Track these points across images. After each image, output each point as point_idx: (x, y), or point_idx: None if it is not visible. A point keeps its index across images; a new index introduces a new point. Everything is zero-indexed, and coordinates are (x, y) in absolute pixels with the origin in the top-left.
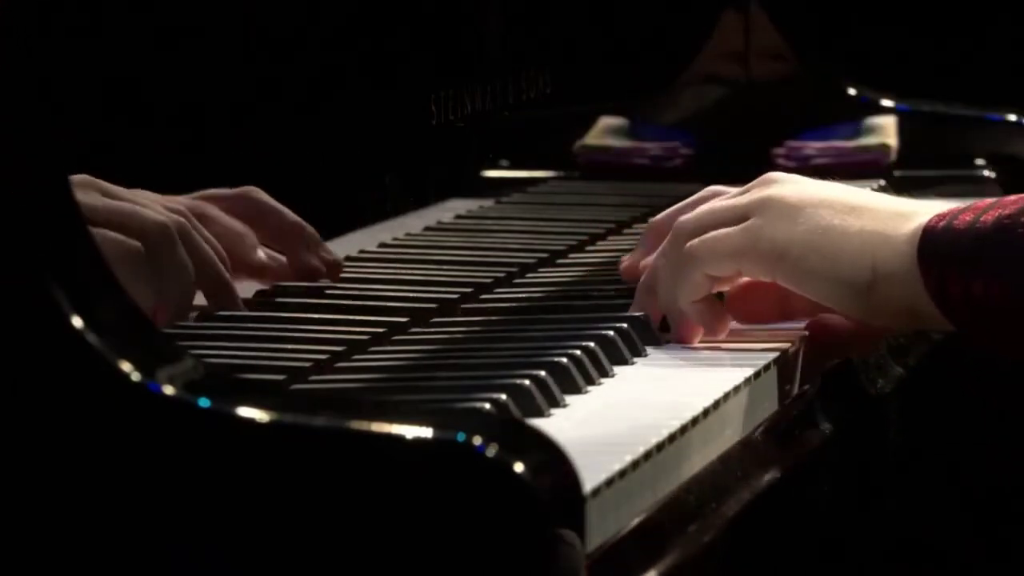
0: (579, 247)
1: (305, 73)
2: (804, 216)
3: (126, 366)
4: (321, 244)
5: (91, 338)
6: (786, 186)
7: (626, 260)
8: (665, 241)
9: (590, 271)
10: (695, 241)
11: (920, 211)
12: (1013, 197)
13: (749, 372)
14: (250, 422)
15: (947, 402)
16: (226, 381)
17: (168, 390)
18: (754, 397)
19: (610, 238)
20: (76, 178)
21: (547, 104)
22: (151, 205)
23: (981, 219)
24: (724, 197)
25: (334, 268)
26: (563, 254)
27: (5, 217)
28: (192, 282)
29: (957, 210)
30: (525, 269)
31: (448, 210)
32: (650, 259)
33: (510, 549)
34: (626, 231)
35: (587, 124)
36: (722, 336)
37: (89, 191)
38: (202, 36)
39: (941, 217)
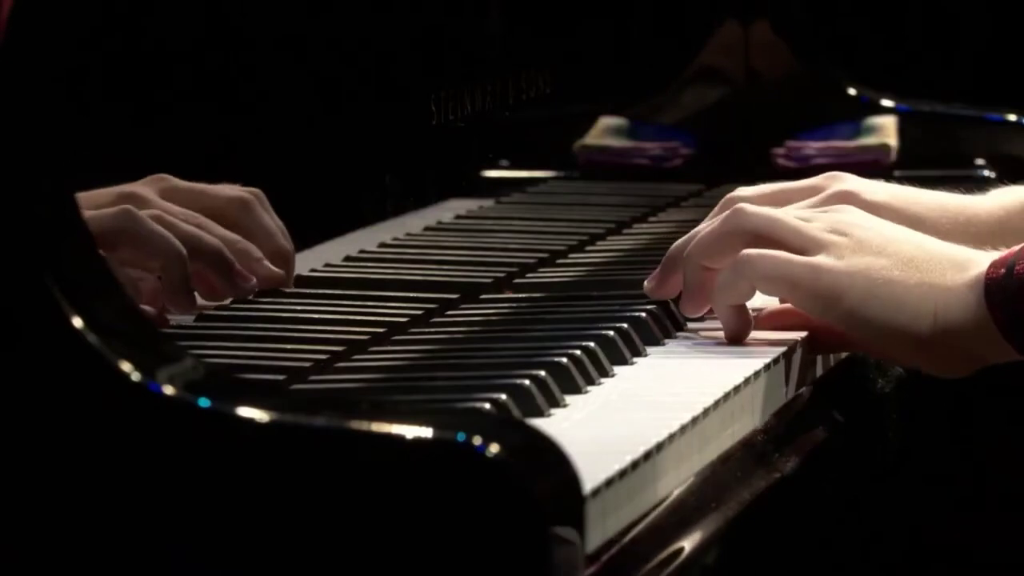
0: (579, 247)
1: (305, 73)
2: (866, 265)
3: (126, 366)
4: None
5: (91, 338)
6: (850, 224)
7: (651, 283)
8: (724, 215)
9: (590, 271)
10: (757, 254)
11: (976, 259)
12: None
13: (749, 372)
14: (250, 422)
15: (947, 402)
16: (226, 381)
17: (168, 390)
18: (755, 397)
19: (610, 238)
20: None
21: (547, 104)
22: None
23: None
24: (795, 203)
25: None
26: (563, 254)
27: (5, 217)
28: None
29: (1015, 255)
30: (525, 269)
31: (448, 210)
32: (703, 227)
33: (510, 549)
34: (626, 231)
35: (587, 124)
36: (744, 338)
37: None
38: (202, 36)
39: (999, 264)
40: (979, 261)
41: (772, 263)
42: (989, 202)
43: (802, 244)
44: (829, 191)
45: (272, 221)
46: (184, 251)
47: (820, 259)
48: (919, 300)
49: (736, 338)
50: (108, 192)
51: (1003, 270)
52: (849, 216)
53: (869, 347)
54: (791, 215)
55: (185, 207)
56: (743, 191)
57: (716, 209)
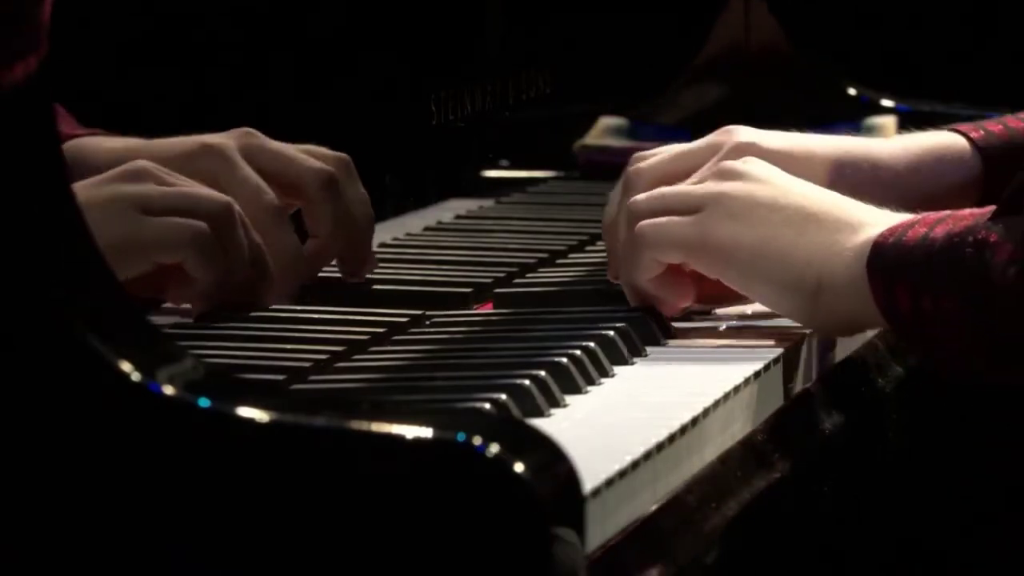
0: (579, 247)
1: (305, 73)
2: (755, 220)
3: (126, 366)
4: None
5: (91, 338)
6: (744, 176)
7: (610, 270)
8: (620, 217)
9: (590, 271)
10: (646, 224)
11: (871, 222)
12: (965, 212)
13: (749, 372)
14: (250, 422)
15: (947, 403)
16: (226, 381)
17: (168, 390)
18: (754, 397)
19: None
20: (131, 165)
21: (547, 104)
22: (205, 189)
23: (931, 234)
24: (687, 165)
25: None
26: (563, 254)
27: (5, 217)
28: (247, 262)
29: (908, 223)
30: (525, 269)
31: (448, 210)
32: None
33: (510, 549)
34: None
35: (587, 124)
36: (685, 305)
37: (146, 180)
38: (202, 36)
39: (892, 231)
40: (873, 223)
41: (663, 230)
42: (893, 146)
43: (693, 204)
44: (726, 147)
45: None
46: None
47: (707, 215)
48: (805, 262)
49: (677, 304)
50: (190, 140)
51: (891, 239)
52: (742, 165)
53: (766, 306)
54: (674, 160)
55: (266, 170)
56: (641, 160)
57: (619, 183)
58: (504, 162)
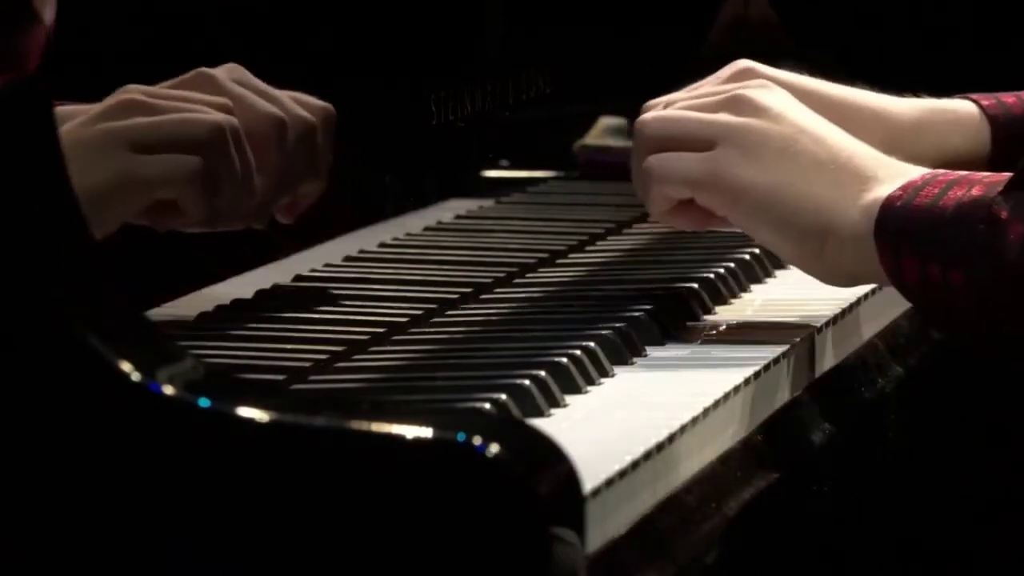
0: (579, 247)
1: (305, 73)
2: (766, 164)
3: (126, 366)
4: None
5: (91, 338)
6: (760, 110)
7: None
8: (632, 139)
9: (590, 271)
10: (655, 160)
11: (883, 177)
12: (977, 176)
13: (749, 372)
14: (250, 422)
15: (947, 403)
16: (226, 381)
17: (168, 390)
18: (754, 397)
19: (610, 238)
20: (119, 98)
21: (547, 104)
22: (198, 108)
23: (942, 201)
24: (698, 93)
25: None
26: (563, 254)
27: (5, 217)
28: (252, 177)
29: (918, 182)
30: (525, 269)
31: (448, 210)
32: None
33: (510, 549)
34: (626, 231)
35: (587, 124)
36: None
37: (132, 112)
38: (202, 36)
39: (903, 191)
40: (884, 179)
41: (672, 166)
42: (901, 102)
43: (709, 136)
44: (735, 69)
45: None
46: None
47: (718, 154)
48: (813, 212)
49: (693, 227)
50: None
51: (900, 200)
52: (761, 95)
53: (771, 250)
54: (697, 105)
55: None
56: (655, 101)
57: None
58: (504, 162)
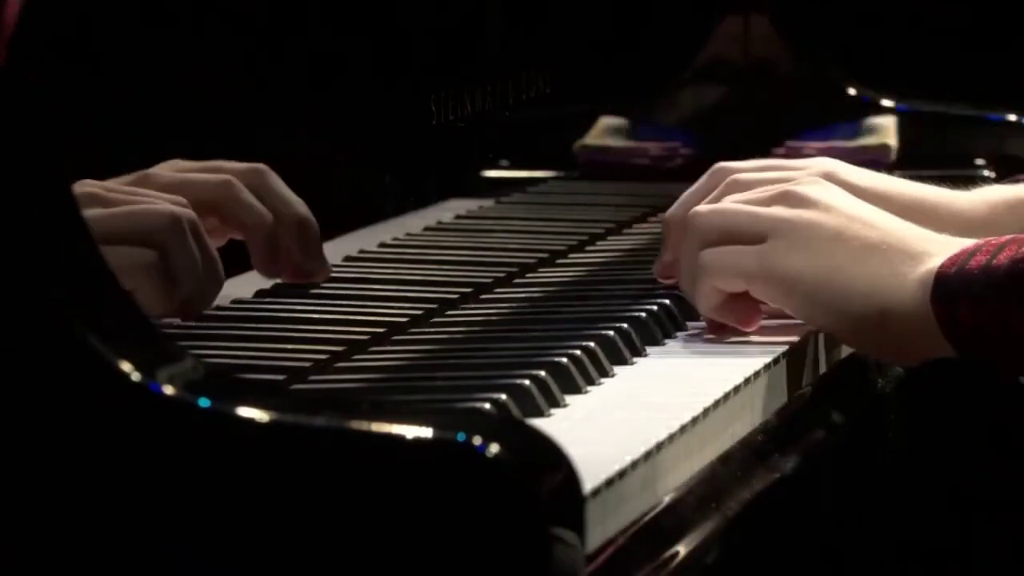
0: (579, 247)
1: (305, 73)
2: (818, 252)
3: (126, 366)
4: (319, 246)
5: (91, 338)
6: (811, 203)
7: (657, 265)
8: (685, 239)
9: (590, 271)
10: (709, 255)
11: (934, 252)
12: None
13: (749, 372)
14: (250, 422)
15: (947, 403)
16: (226, 381)
17: (168, 390)
18: (755, 397)
19: (610, 238)
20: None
21: (547, 104)
22: (153, 200)
23: (994, 261)
24: (742, 193)
25: (323, 274)
26: (563, 254)
27: (5, 217)
28: (199, 272)
29: (970, 250)
30: (525, 269)
31: (448, 210)
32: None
33: (510, 549)
34: (626, 231)
35: (587, 124)
36: (752, 329)
37: (88, 204)
38: (201, 36)
39: (954, 260)
40: (936, 253)
41: (725, 260)
42: (971, 197)
43: (760, 230)
44: (811, 169)
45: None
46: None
47: (771, 247)
48: (868, 293)
49: (743, 327)
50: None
51: (954, 268)
52: (811, 190)
53: (828, 332)
54: (750, 200)
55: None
56: (730, 165)
57: (704, 177)
58: (504, 162)
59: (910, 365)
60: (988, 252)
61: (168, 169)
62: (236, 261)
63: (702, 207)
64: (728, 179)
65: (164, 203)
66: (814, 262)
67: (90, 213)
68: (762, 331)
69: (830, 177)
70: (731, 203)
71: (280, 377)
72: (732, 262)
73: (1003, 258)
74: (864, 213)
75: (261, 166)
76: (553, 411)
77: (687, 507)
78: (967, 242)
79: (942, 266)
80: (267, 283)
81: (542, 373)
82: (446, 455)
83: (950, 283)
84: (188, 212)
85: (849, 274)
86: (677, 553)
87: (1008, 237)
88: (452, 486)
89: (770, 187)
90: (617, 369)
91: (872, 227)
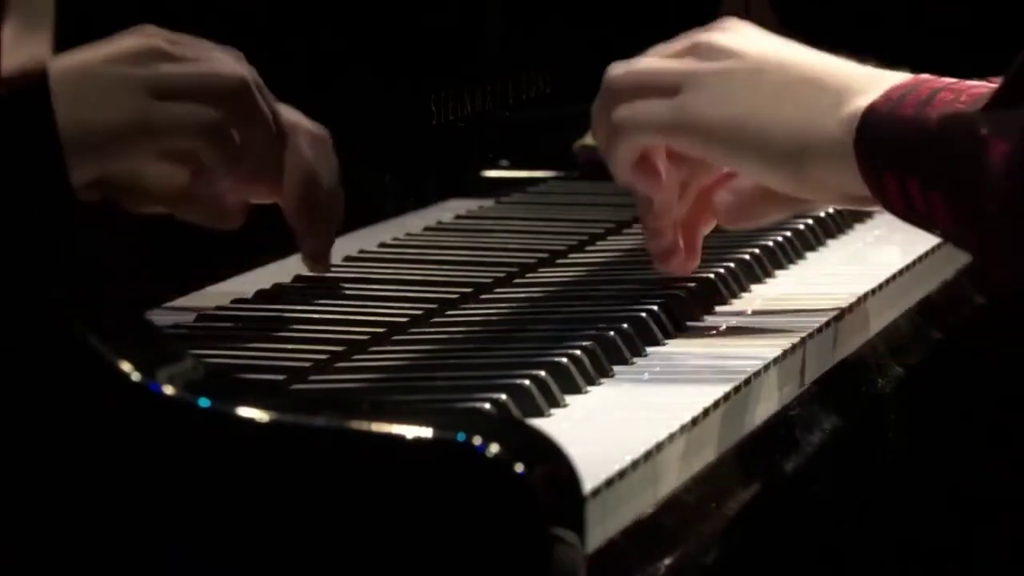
0: (579, 247)
1: (305, 73)
2: (733, 96)
3: (126, 366)
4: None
5: (91, 338)
6: (722, 51)
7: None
8: (598, 96)
9: (590, 271)
10: (623, 112)
11: (859, 89)
12: (968, 83)
13: (750, 372)
14: (250, 422)
15: (947, 403)
16: (226, 381)
17: (168, 390)
18: (754, 397)
19: (610, 238)
20: (138, 42)
21: (547, 104)
22: (220, 58)
23: (927, 109)
24: (664, 50)
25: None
26: (563, 254)
27: (5, 217)
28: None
29: (905, 87)
30: (525, 269)
31: (448, 210)
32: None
33: (510, 549)
34: (626, 231)
35: (587, 124)
36: (659, 195)
37: (153, 59)
38: (201, 36)
39: (887, 98)
40: (861, 90)
41: (641, 116)
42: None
43: (670, 83)
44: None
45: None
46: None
47: (685, 98)
48: (786, 135)
49: (652, 194)
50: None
51: (884, 109)
52: (722, 37)
53: (750, 176)
54: (661, 54)
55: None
56: (615, 74)
57: (597, 98)
58: (504, 162)
59: (838, 205)
60: (925, 91)
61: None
62: (236, 261)
63: (614, 67)
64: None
65: (232, 64)
66: (729, 107)
67: (158, 70)
68: (763, 332)
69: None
70: (643, 60)
71: (280, 377)
72: (647, 115)
73: (934, 113)
74: (779, 53)
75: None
76: (553, 411)
77: (687, 507)
78: (899, 76)
79: (871, 104)
80: (267, 283)
81: (542, 373)
82: (446, 455)
83: (878, 125)
84: (255, 75)
85: (765, 116)
86: (677, 553)
87: (942, 82)
88: (452, 486)
89: (681, 38)
90: (617, 369)
91: (787, 67)
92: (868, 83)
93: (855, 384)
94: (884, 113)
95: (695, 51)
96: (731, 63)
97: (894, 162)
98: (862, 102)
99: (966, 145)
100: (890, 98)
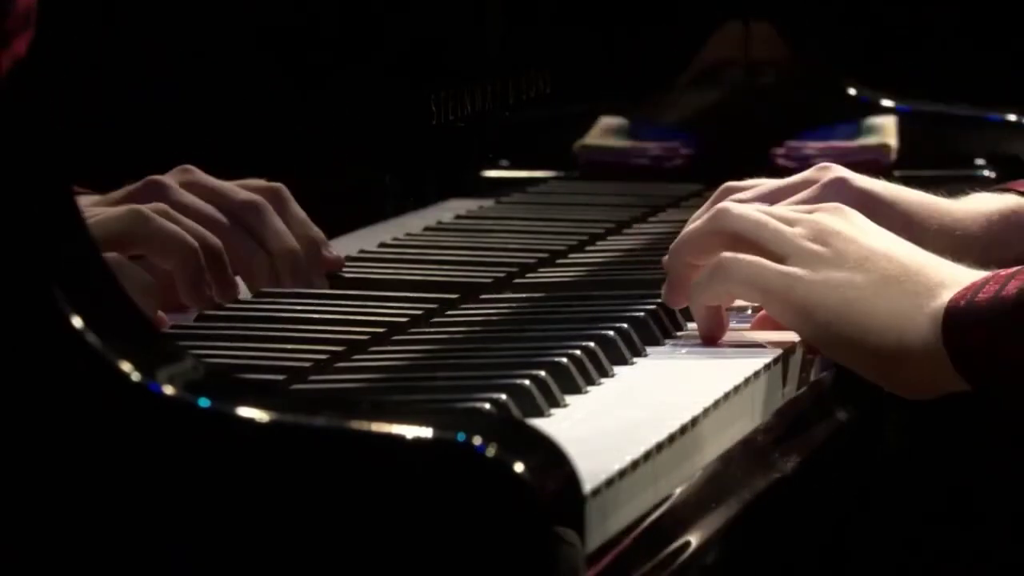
0: (579, 247)
1: (305, 73)
2: (839, 283)
3: (126, 366)
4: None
5: (91, 338)
6: (834, 235)
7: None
8: (709, 216)
9: (590, 271)
10: (735, 257)
11: (948, 284)
12: None
13: (749, 372)
14: (250, 422)
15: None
16: (226, 381)
17: (168, 390)
18: (754, 397)
19: (610, 238)
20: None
21: (547, 104)
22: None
23: (1003, 292)
24: (783, 201)
25: (336, 266)
26: (563, 254)
27: (6, 218)
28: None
29: (980, 283)
30: (525, 269)
31: (448, 210)
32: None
33: (510, 549)
34: (626, 231)
35: (587, 124)
36: (714, 341)
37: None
38: (202, 37)
39: (964, 293)
40: (949, 285)
41: (747, 270)
42: (969, 205)
43: (782, 251)
44: (822, 181)
45: (295, 213)
46: (196, 245)
47: (795, 270)
48: (886, 326)
49: (709, 339)
50: (131, 188)
51: (963, 301)
52: (834, 221)
53: (841, 363)
54: (776, 216)
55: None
56: (738, 184)
57: (710, 201)
58: (504, 162)
59: (929, 398)
60: (998, 283)
61: (178, 178)
62: None
63: (733, 205)
64: (722, 204)
65: (184, 236)
66: (835, 292)
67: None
68: (762, 332)
69: (842, 185)
70: (760, 210)
71: (280, 377)
72: (757, 273)
73: (1012, 288)
74: (883, 245)
75: (261, 200)
76: (553, 411)
77: (687, 507)
78: (978, 274)
79: (952, 299)
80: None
81: (542, 373)
82: (446, 455)
83: (960, 316)
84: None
85: (867, 307)
86: (677, 553)
87: (1016, 268)
88: (452, 486)
89: (797, 206)
90: (617, 369)
91: (891, 260)
92: (956, 278)
93: (855, 384)
94: (965, 303)
95: (809, 225)
96: (842, 246)
97: (980, 335)
98: (947, 296)
99: None
100: (968, 290)
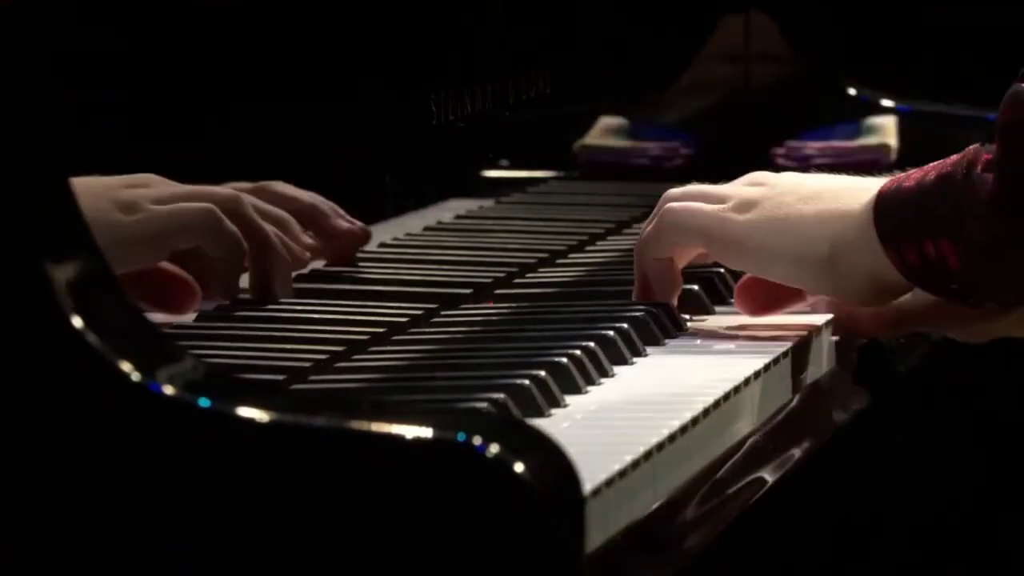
0: (579, 247)
1: (305, 73)
2: (766, 205)
3: (126, 366)
4: (340, 212)
5: (91, 338)
6: (770, 182)
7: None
8: (658, 215)
9: (590, 271)
10: (675, 204)
11: (874, 186)
12: (969, 149)
13: (749, 372)
14: (250, 422)
15: (947, 403)
16: (226, 381)
17: (168, 390)
18: (755, 397)
19: (610, 238)
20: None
21: (547, 104)
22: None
23: (927, 177)
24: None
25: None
26: (563, 254)
27: (5, 217)
28: (243, 253)
29: (906, 174)
30: (525, 269)
31: (448, 210)
32: None
33: (510, 549)
34: (626, 231)
35: (587, 124)
36: (668, 299)
37: (156, 184)
38: (202, 36)
39: (891, 183)
40: (875, 186)
41: (685, 212)
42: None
43: (718, 198)
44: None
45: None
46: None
47: (729, 208)
48: (817, 227)
49: (665, 295)
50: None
51: (892, 187)
52: (770, 176)
53: (789, 283)
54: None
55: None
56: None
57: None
58: (504, 162)
59: (871, 305)
60: (923, 171)
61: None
62: None
63: (673, 190)
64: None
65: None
66: (765, 216)
67: (157, 190)
68: (762, 331)
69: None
70: (698, 187)
71: (280, 377)
72: (694, 216)
73: (932, 172)
74: (815, 176)
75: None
76: (553, 411)
77: (687, 507)
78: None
79: (882, 188)
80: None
81: (542, 373)
82: (446, 455)
83: (890, 202)
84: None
85: (795, 216)
86: (677, 553)
87: (945, 159)
88: (452, 486)
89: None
90: (617, 369)
91: (821, 179)
92: (877, 183)
93: (855, 384)
94: (892, 190)
95: (745, 182)
96: (777, 188)
97: (909, 228)
98: (876, 189)
99: (962, 171)
100: (896, 180)
